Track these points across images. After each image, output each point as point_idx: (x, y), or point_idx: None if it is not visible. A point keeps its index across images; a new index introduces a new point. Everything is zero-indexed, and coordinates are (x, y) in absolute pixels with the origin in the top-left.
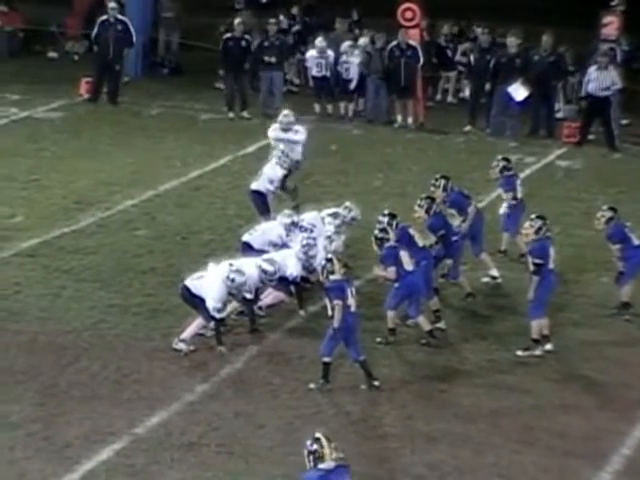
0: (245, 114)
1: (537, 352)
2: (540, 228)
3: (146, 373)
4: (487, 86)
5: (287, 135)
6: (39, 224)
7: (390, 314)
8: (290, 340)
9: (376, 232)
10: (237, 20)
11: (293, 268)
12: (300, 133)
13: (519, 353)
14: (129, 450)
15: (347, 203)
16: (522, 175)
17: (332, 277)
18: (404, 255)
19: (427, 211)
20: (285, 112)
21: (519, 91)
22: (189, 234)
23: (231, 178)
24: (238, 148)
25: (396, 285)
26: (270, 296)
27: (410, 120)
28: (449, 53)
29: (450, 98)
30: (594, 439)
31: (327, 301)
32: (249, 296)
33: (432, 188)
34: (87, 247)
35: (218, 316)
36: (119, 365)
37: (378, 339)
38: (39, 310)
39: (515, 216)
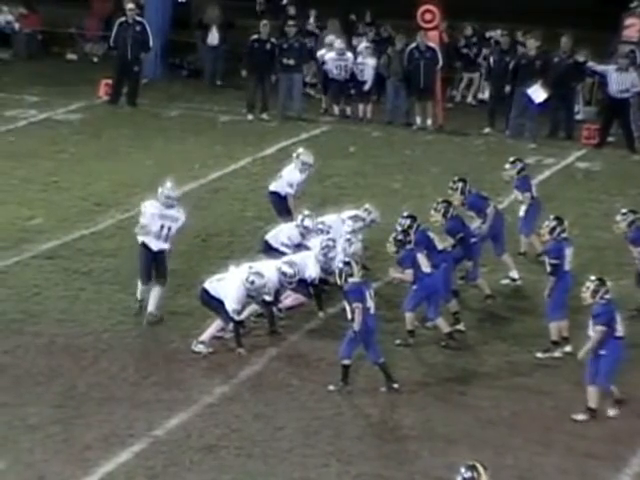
0: (265, 116)
1: (556, 354)
2: (554, 229)
3: (165, 375)
4: (507, 88)
5: None
6: (58, 226)
7: (408, 316)
8: (309, 342)
9: (396, 234)
10: (263, 22)
11: (312, 270)
12: None
13: (539, 355)
14: (148, 452)
15: (366, 205)
16: (541, 177)
17: (351, 280)
18: (422, 257)
19: (444, 215)
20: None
21: (538, 93)
22: (208, 236)
23: (250, 180)
24: (257, 150)
25: (414, 287)
26: (289, 298)
27: (429, 122)
28: (471, 55)
29: (470, 99)
30: (614, 441)
31: (346, 304)
32: (268, 298)
33: (450, 191)
34: (106, 249)
35: (237, 318)
36: (138, 367)
37: (397, 341)
38: (58, 312)
39: (531, 216)
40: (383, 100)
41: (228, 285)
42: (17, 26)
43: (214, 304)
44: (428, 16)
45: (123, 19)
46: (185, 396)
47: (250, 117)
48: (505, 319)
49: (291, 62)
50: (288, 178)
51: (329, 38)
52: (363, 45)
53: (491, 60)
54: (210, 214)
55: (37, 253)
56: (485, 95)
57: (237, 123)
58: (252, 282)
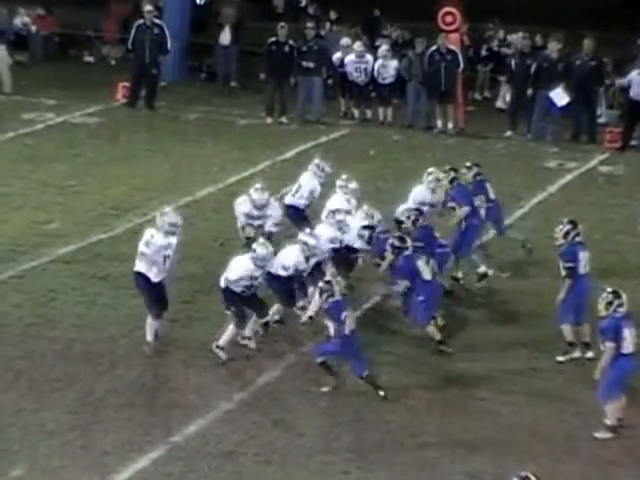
0: (284, 119)
1: (576, 354)
2: (568, 232)
3: (183, 381)
4: (528, 91)
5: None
6: (75, 230)
7: (430, 329)
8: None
9: (392, 240)
10: (280, 24)
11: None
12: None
13: (560, 359)
14: (166, 459)
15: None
16: (563, 181)
17: (331, 299)
18: (422, 265)
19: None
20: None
21: (561, 96)
22: (226, 240)
23: (269, 184)
24: (276, 154)
25: (420, 298)
26: (311, 308)
27: (450, 125)
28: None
29: (499, 103)
30: (637, 448)
31: (328, 321)
32: (283, 273)
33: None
34: (123, 254)
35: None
36: (156, 373)
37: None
38: (75, 317)
39: (492, 217)
40: (403, 103)
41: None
42: (34, 28)
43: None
44: (449, 18)
45: (141, 21)
46: (203, 402)
47: (269, 120)
48: (526, 324)
49: (310, 65)
50: (308, 187)
51: (345, 40)
52: (384, 47)
53: (512, 63)
54: (228, 218)
55: (54, 257)
56: (506, 98)
57: (256, 126)
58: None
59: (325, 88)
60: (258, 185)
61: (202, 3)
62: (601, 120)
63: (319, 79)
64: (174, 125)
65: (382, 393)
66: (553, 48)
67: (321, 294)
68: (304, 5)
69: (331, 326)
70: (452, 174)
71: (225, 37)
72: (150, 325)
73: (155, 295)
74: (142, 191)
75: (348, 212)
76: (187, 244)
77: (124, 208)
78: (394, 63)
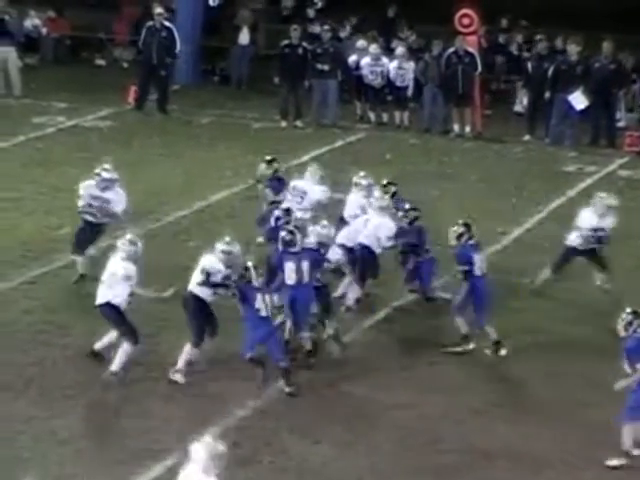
0: (299, 123)
1: (470, 347)
2: (462, 235)
3: (198, 388)
4: (546, 94)
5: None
6: None
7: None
8: (343, 355)
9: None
10: (293, 27)
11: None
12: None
13: (448, 349)
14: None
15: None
16: (582, 185)
17: (248, 285)
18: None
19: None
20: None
21: (579, 100)
22: (241, 246)
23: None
24: (291, 158)
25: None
26: (352, 293)
27: (467, 129)
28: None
29: (517, 107)
30: None
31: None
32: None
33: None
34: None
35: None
36: (169, 380)
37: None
38: (87, 324)
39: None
40: (419, 107)
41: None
42: (44, 31)
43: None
44: (466, 20)
45: (151, 23)
46: (219, 409)
47: (283, 124)
48: (546, 329)
49: (325, 67)
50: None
51: (361, 43)
52: (401, 50)
53: (529, 66)
54: (242, 223)
55: (66, 263)
56: (524, 102)
57: (270, 130)
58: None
59: (340, 91)
60: (107, 165)
61: (215, 5)
62: (620, 124)
63: (334, 82)
64: (187, 129)
65: (289, 390)
66: (572, 51)
67: (240, 278)
68: (318, 8)
69: (243, 309)
70: (393, 188)
71: (244, 37)
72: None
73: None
74: (155, 196)
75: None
76: (201, 249)
77: (137, 213)
78: (410, 66)
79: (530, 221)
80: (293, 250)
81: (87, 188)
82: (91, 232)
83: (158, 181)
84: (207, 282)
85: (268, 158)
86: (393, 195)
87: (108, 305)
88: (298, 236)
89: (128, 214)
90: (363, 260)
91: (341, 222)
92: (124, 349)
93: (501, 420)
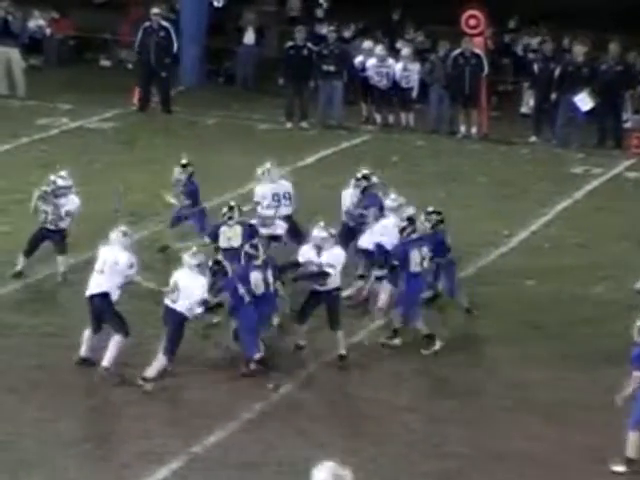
0: (304, 124)
1: (437, 346)
2: (404, 229)
3: (203, 391)
4: (552, 96)
5: None
6: (92, 238)
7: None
8: (351, 358)
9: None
10: (297, 28)
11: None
12: None
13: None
14: (186, 470)
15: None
16: (589, 187)
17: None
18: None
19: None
20: None
21: (585, 101)
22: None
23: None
24: (297, 159)
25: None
26: (381, 298)
27: (474, 130)
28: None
29: (523, 109)
30: None
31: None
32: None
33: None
34: (142, 262)
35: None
36: (175, 383)
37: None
38: None
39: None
40: (426, 108)
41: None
42: (48, 31)
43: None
44: (473, 22)
45: (148, 24)
46: (224, 412)
47: (289, 125)
48: (552, 334)
49: (331, 68)
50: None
51: (367, 44)
52: (406, 51)
53: (535, 67)
54: None
55: (70, 266)
56: (530, 103)
57: (276, 131)
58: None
59: (346, 92)
60: (64, 173)
61: (220, 6)
62: (627, 125)
63: (340, 83)
64: (192, 130)
65: (271, 386)
66: (578, 52)
67: (213, 274)
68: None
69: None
70: (364, 183)
71: (249, 38)
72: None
73: None
74: (159, 198)
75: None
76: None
77: (141, 215)
78: (416, 67)
79: (536, 223)
80: (257, 263)
81: (41, 197)
82: (53, 239)
83: (163, 183)
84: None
85: (183, 162)
86: (364, 190)
87: (103, 295)
88: (261, 250)
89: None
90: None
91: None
92: (116, 342)
93: (508, 423)
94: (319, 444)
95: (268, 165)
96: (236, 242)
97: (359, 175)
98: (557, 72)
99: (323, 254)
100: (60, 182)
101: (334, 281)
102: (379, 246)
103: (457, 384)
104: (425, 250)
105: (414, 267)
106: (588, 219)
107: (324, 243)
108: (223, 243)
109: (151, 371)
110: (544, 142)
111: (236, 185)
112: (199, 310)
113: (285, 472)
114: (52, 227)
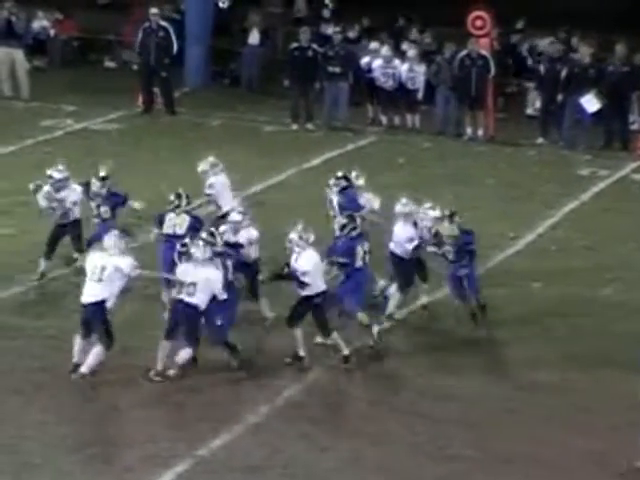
0: (310, 126)
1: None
2: (345, 226)
3: (208, 394)
4: (559, 97)
5: None
6: None
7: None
8: (355, 361)
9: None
10: (302, 29)
11: None
12: None
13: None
14: (192, 473)
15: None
16: (595, 189)
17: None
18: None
19: None
20: None
21: (592, 103)
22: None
23: (295, 192)
24: (302, 161)
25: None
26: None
27: (480, 132)
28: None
29: (529, 110)
30: None
31: None
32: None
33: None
34: (146, 266)
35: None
36: (180, 386)
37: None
38: None
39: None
40: (432, 109)
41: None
42: (52, 32)
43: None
44: (479, 22)
45: (147, 24)
46: (229, 415)
47: (294, 127)
48: (560, 337)
49: (337, 70)
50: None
51: (373, 45)
52: (412, 52)
53: (541, 68)
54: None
55: (77, 267)
56: (536, 105)
57: (281, 133)
58: None
59: (352, 94)
60: (60, 166)
61: (225, 7)
62: (634, 127)
63: (346, 84)
64: (197, 132)
65: (235, 363)
66: (585, 53)
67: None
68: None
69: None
70: (343, 183)
71: (254, 39)
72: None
73: None
74: (165, 200)
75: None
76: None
77: (147, 217)
78: (421, 69)
79: (543, 225)
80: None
81: (44, 195)
82: (71, 233)
83: (167, 185)
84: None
85: (102, 175)
86: (343, 190)
87: (100, 304)
88: (218, 238)
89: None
90: (394, 267)
91: None
92: (96, 352)
93: (515, 425)
94: (324, 447)
95: (212, 159)
96: (180, 230)
97: (339, 174)
98: (563, 73)
99: (297, 259)
100: (56, 175)
101: (314, 287)
102: (391, 253)
103: (462, 386)
104: (366, 245)
105: (359, 262)
106: (595, 221)
107: (296, 246)
108: (168, 229)
109: (179, 360)
110: (551, 144)
111: (241, 187)
112: (224, 296)
113: (289, 475)
114: (65, 221)
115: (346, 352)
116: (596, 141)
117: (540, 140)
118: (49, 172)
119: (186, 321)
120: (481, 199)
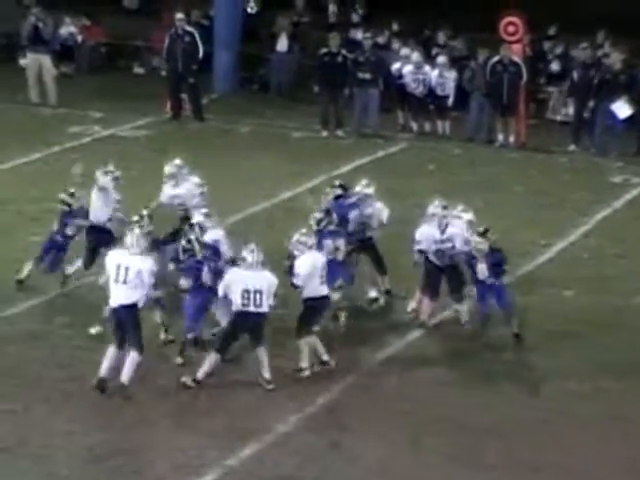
0: (340, 132)
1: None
2: (321, 220)
3: (238, 403)
4: (590, 103)
5: None
6: None
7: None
8: (386, 369)
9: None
10: (332, 34)
11: None
12: None
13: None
14: None
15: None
16: (628, 196)
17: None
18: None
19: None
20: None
21: (623, 109)
22: (281, 258)
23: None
24: (332, 168)
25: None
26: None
27: (512, 139)
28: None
29: (559, 116)
30: None
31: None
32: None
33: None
34: (172, 273)
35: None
36: (210, 395)
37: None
38: None
39: None
40: (462, 116)
41: None
42: (80, 38)
43: None
44: (511, 28)
45: (173, 30)
46: (259, 424)
47: (324, 133)
48: (590, 344)
49: (367, 76)
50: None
51: (404, 51)
52: (442, 58)
53: (574, 75)
54: (279, 235)
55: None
56: (569, 111)
57: (311, 139)
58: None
59: (382, 100)
60: (177, 161)
61: (253, 12)
62: None
63: (376, 91)
64: (226, 138)
65: (179, 361)
66: (616, 59)
67: (183, 252)
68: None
69: (185, 283)
70: (338, 191)
71: (282, 45)
72: None
73: None
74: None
75: None
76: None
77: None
78: (452, 75)
79: (575, 233)
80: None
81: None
82: (105, 241)
83: None
84: None
85: (71, 190)
86: (337, 198)
87: (132, 307)
88: (197, 246)
89: None
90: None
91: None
92: (133, 358)
93: (546, 435)
94: (354, 457)
95: (178, 161)
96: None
97: (337, 183)
98: (596, 80)
99: (296, 260)
100: (74, 204)
101: (310, 290)
102: (420, 251)
103: (492, 394)
104: (339, 242)
105: (328, 255)
106: (627, 229)
107: (295, 250)
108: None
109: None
110: (583, 151)
111: (270, 194)
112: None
113: None
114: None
115: (304, 364)
116: (629, 148)
117: (572, 147)
118: (63, 197)
119: (257, 327)
120: (512, 206)
